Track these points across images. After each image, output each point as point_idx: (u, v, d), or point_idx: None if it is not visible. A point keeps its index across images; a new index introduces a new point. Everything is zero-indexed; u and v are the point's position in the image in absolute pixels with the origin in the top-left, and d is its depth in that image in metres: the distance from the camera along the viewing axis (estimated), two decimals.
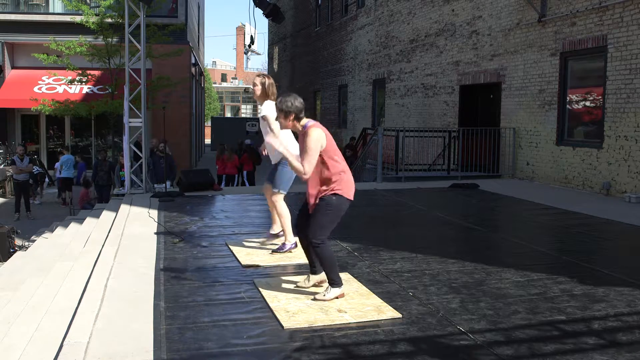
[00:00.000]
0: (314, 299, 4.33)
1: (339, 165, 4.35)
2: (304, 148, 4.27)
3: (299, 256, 5.60)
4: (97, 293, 4.56)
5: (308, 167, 4.23)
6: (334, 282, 4.34)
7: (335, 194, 4.31)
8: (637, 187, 9.35)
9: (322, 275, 4.49)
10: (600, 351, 3.49)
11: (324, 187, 4.34)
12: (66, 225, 9.55)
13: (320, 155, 4.28)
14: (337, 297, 4.33)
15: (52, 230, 9.89)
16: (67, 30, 18.20)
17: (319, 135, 4.27)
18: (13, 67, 20.10)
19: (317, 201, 4.35)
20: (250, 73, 65.42)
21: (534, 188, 10.89)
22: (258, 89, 5.85)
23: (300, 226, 4.51)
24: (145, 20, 11.06)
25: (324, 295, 4.33)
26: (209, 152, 31.88)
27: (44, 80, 19.44)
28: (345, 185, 4.35)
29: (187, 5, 20.11)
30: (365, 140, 15.69)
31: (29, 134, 21.15)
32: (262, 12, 12.42)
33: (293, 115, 4.35)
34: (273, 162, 5.93)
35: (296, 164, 4.29)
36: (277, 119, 4.47)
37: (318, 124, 4.39)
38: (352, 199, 4.41)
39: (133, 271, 5.15)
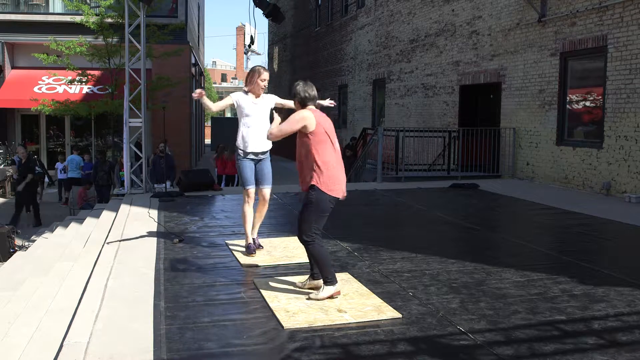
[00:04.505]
0: (308, 298, 4.34)
1: (322, 156, 4.36)
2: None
3: (299, 256, 5.61)
4: (97, 293, 4.56)
5: (275, 130, 4.53)
6: (328, 280, 4.34)
7: (314, 188, 4.34)
8: (637, 187, 9.35)
9: (320, 282, 4.47)
10: (600, 351, 3.49)
11: (308, 176, 4.39)
12: (66, 225, 9.54)
13: (308, 140, 4.38)
14: (331, 296, 4.33)
15: (52, 230, 9.88)
16: (67, 30, 18.18)
17: (303, 116, 4.42)
18: (13, 67, 20.09)
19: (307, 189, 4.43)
20: None
21: (534, 188, 10.89)
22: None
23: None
24: (145, 20, 11.06)
25: (317, 294, 4.34)
26: (209, 152, 31.87)
27: (44, 80, 19.43)
28: (327, 179, 4.33)
29: (187, 5, 20.10)
30: (365, 140, 15.68)
31: (29, 134, 21.13)
32: (262, 12, 12.42)
33: (296, 100, 4.56)
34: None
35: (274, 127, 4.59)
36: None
37: (316, 111, 4.50)
38: (334, 195, 4.36)
39: (133, 271, 5.15)
